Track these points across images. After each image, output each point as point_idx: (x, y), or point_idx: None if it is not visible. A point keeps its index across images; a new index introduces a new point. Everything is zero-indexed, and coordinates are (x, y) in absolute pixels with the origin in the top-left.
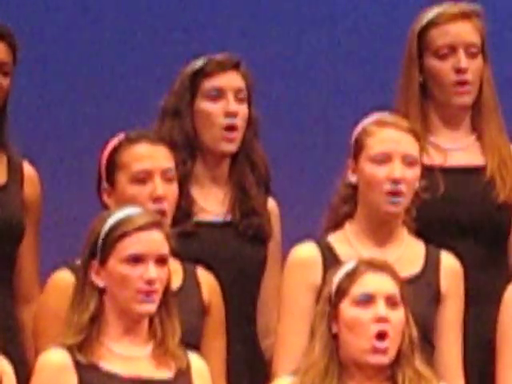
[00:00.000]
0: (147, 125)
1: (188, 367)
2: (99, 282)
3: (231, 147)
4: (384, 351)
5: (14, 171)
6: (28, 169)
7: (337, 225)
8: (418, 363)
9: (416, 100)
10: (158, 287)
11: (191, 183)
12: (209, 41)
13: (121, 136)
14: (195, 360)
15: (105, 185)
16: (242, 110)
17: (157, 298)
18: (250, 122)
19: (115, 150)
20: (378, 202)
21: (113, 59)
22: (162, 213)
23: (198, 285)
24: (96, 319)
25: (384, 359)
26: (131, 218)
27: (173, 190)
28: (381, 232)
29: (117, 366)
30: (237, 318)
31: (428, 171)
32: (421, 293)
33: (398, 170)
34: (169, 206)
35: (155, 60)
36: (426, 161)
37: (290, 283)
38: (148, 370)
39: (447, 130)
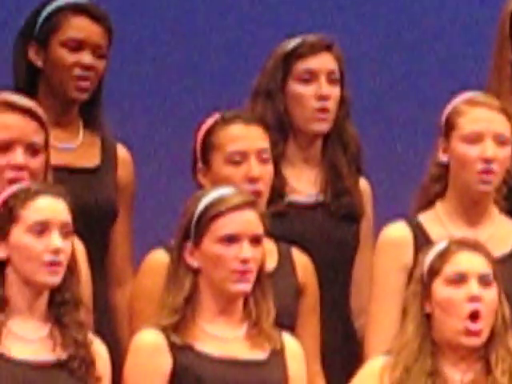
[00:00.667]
0: (241, 105)
1: (282, 348)
2: (194, 262)
3: (323, 127)
4: (477, 333)
5: (108, 154)
6: (122, 151)
7: (428, 204)
8: (511, 342)
9: (508, 80)
10: (253, 267)
11: (283, 164)
12: (300, 20)
13: (216, 116)
14: (289, 341)
15: (200, 165)
16: (334, 92)
17: (252, 277)
18: (342, 102)
19: (210, 130)
20: (469, 182)
21: (204, 39)
22: (258, 193)
23: (293, 266)
24: (190, 300)
25: (477, 341)
26: (225, 197)
27: (268, 170)
28: (472, 211)
29: (211, 347)
30: (330, 299)
31: None
32: None
33: (490, 149)
34: (264, 187)
35: (247, 39)
36: None
37: (382, 263)
38: (242, 351)
39: None
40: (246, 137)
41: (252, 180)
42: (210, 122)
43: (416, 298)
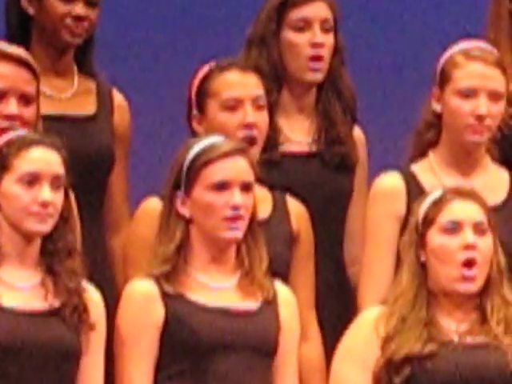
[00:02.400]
0: (236, 53)
1: (275, 297)
2: (185, 211)
3: (317, 76)
4: (472, 279)
5: (104, 100)
6: (118, 97)
7: (421, 152)
8: (506, 291)
9: (506, 29)
10: (244, 214)
11: (277, 113)
12: None
13: (211, 64)
14: (282, 290)
15: (195, 112)
16: (328, 40)
17: (243, 224)
18: (337, 51)
19: (206, 77)
20: (461, 133)
21: None
22: (253, 139)
23: (287, 213)
24: (182, 249)
25: (472, 287)
26: (215, 145)
27: (263, 117)
28: (465, 161)
29: (203, 296)
30: (324, 246)
31: None
32: (505, 221)
33: (483, 106)
34: (259, 134)
35: None
36: None
37: (375, 213)
38: (234, 300)
39: None
40: (241, 84)
41: (247, 126)
42: (205, 69)
43: (411, 247)
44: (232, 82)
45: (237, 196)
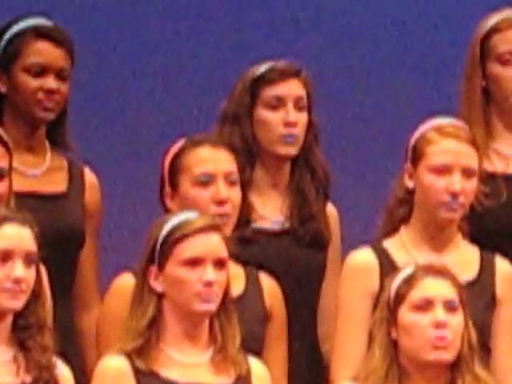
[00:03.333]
0: (207, 129)
1: (248, 373)
2: (158, 286)
3: (290, 150)
4: (445, 347)
5: (75, 178)
6: (89, 176)
7: (393, 228)
8: (478, 368)
9: (479, 105)
10: (217, 290)
11: (250, 190)
12: (268, 45)
13: (184, 140)
14: (256, 366)
15: (167, 189)
16: (302, 118)
17: (216, 299)
18: (310, 127)
19: (178, 153)
20: (435, 210)
21: (173, 61)
22: (225, 215)
23: (260, 290)
24: (155, 324)
25: (445, 355)
26: (189, 221)
27: (236, 193)
28: (437, 237)
29: (176, 372)
30: (297, 324)
31: (490, 178)
32: (477, 298)
33: (457, 182)
34: (232, 209)
35: (215, 63)
36: (489, 167)
37: (347, 290)
38: (207, 376)
39: (510, 136)
40: (213, 159)
41: (220, 202)
42: (177, 145)
43: (382, 324)
44: (204, 157)
45: (210, 272)
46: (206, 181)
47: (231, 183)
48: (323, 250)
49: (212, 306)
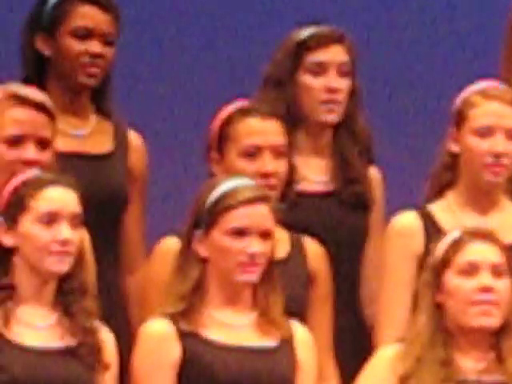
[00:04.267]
0: (252, 92)
1: (291, 336)
2: (202, 251)
3: (332, 118)
4: (490, 314)
5: (120, 140)
6: (134, 138)
7: (439, 193)
8: None
9: None
10: (261, 261)
11: (293, 153)
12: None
13: (233, 106)
14: (299, 329)
15: (214, 154)
16: (344, 84)
17: (259, 270)
18: (353, 93)
19: (227, 121)
20: (479, 173)
21: (217, 24)
22: (270, 188)
23: (304, 254)
24: (198, 288)
25: (490, 320)
26: (238, 190)
27: (282, 165)
28: (482, 201)
29: (220, 334)
30: (341, 286)
31: None
32: None
33: (500, 144)
34: (277, 182)
35: (258, 26)
36: None
37: (392, 253)
38: (251, 338)
39: None
40: (261, 131)
41: (264, 175)
42: (226, 112)
43: (428, 287)
44: (252, 128)
45: (255, 244)
46: (253, 152)
47: (278, 155)
48: (366, 213)
49: (253, 277)
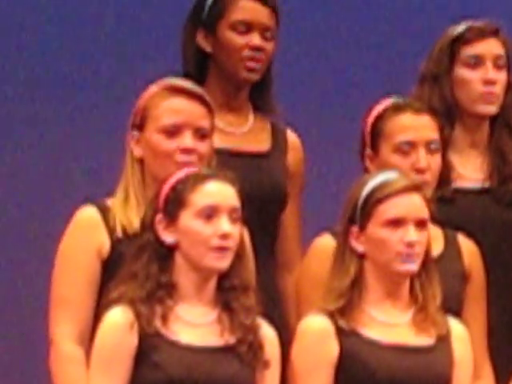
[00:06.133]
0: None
1: (448, 333)
2: (359, 246)
3: (490, 109)
4: None
5: (278, 139)
6: (292, 137)
7: None
8: None
9: None
10: (419, 250)
11: (450, 149)
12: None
13: (386, 102)
14: (456, 326)
15: (368, 150)
16: (501, 77)
17: (418, 259)
18: (509, 87)
19: (380, 117)
20: None
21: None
22: (424, 184)
23: (459, 251)
24: (356, 284)
25: None
26: (391, 181)
27: (436, 161)
28: None
29: (378, 332)
30: (497, 284)
31: None
32: None
33: None
34: (431, 177)
35: (413, 25)
36: None
37: None
38: (409, 337)
39: None
40: (415, 127)
41: (419, 171)
42: (380, 107)
43: None
44: (406, 124)
45: (412, 233)
46: (407, 149)
47: (432, 150)
48: None
49: (413, 266)
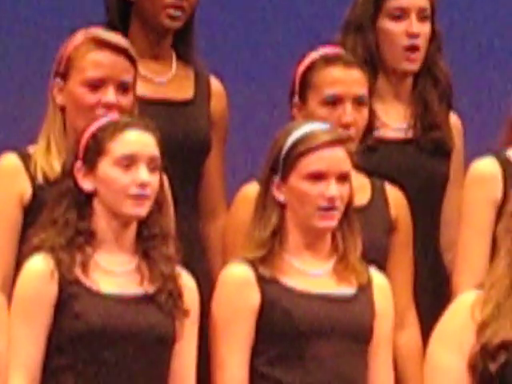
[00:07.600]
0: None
1: (369, 283)
2: (280, 196)
3: (412, 67)
4: None
5: (201, 86)
6: (215, 84)
7: None
8: None
9: None
10: (339, 204)
11: (373, 98)
12: None
13: (317, 53)
14: (377, 276)
15: (296, 99)
16: (425, 29)
17: (337, 215)
18: (433, 37)
19: (310, 67)
20: None
21: None
22: (349, 138)
23: (385, 201)
24: (277, 234)
25: None
26: (314, 134)
27: (363, 115)
28: None
29: (299, 281)
30: (420, 232)
31: None
32: None
33: None
34: (356, 132)
35: None
36: None
37: (471, 198)
38: (329, 286)
39: None
40: (344, 81)
41: (345, 126)
42: (310, 58)
43: (508, 233)
44: (335, 78)
45: (333, 187)
46: (334, 102)
47: (359, 105)
48: (446, 159)
49: (332, 223)
